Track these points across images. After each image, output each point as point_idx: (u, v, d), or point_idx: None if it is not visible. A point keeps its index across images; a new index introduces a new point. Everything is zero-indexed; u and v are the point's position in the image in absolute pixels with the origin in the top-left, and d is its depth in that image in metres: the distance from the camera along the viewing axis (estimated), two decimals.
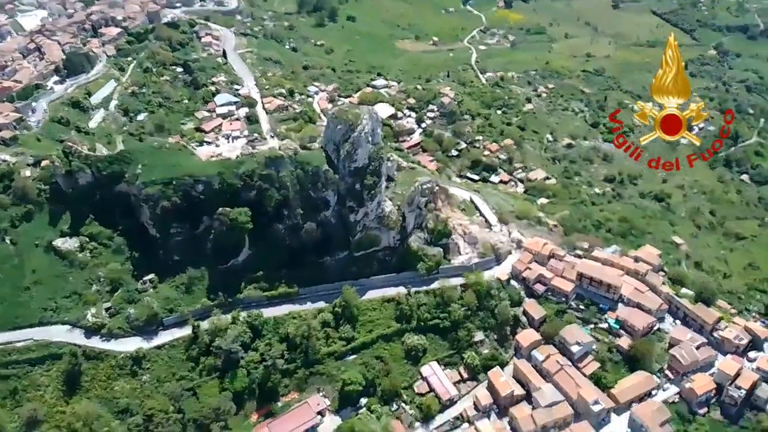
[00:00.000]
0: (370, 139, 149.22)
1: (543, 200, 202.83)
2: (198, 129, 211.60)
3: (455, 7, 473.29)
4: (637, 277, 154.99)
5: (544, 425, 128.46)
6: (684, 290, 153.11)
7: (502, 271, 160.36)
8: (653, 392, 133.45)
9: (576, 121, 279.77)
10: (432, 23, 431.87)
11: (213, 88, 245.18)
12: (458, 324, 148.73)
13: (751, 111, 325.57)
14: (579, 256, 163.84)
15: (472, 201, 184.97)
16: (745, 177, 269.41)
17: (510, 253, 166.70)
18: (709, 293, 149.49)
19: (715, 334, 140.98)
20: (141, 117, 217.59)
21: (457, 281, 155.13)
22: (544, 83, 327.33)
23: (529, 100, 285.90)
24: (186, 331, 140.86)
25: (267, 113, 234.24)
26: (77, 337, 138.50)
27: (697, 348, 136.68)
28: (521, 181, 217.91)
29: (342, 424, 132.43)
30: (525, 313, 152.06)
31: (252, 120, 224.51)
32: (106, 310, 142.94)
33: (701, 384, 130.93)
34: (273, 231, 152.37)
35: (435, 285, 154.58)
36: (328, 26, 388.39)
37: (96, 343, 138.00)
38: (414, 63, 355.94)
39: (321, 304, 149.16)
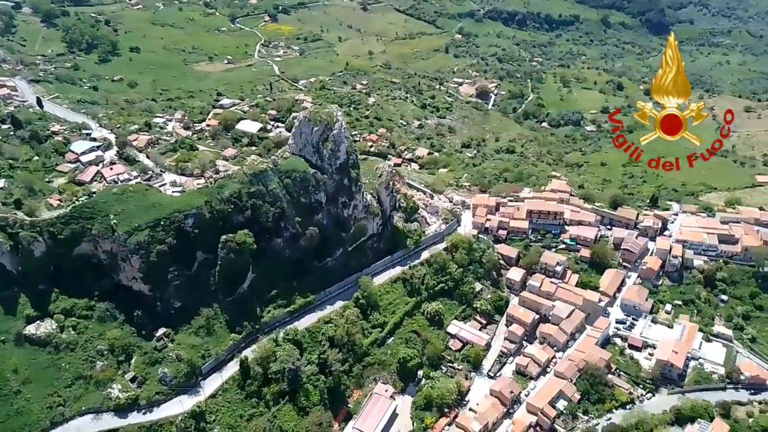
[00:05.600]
0: (346, 134, 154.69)
1: (442, 170, 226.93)
2: (75, 182, 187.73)
3: (226, 26, 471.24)
4: (564, 204, 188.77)
5: (572, 332, 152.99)
6: (598, 203, 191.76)
7: (467, 229, 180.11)
8: (625, 281, 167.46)
9: (409, 106, 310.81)
10: (213, 44, 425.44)
11: (60, 138, 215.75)
12: (459, 281, 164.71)
13: (518, 75, 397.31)
14: (514, 200, 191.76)
15: None
16: (544, 124, 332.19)
17: (461, 214, 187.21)
18: (620, 200, 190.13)
19: (639, 227, 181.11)
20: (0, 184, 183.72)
21: (441, 246, 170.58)
22: (357, 81, 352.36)
23: (368, 95, 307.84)
24: (230, 371, 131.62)
25: (139, 151, 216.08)
26: (110, 422, 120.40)
27: (636, 238, 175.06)
28: (412, 160, 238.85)
29: (417, 396, 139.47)
30: (501, 256, 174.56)
31: (130, 160, 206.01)
32: (132, 380, 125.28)
33: (652, 264, 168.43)
34: (272, 246, 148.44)
35: (425, 255, 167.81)
36: (113, 61, 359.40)
37: (137, 418, 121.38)
38: (225, 82, 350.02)
39: (340, 303, 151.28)
